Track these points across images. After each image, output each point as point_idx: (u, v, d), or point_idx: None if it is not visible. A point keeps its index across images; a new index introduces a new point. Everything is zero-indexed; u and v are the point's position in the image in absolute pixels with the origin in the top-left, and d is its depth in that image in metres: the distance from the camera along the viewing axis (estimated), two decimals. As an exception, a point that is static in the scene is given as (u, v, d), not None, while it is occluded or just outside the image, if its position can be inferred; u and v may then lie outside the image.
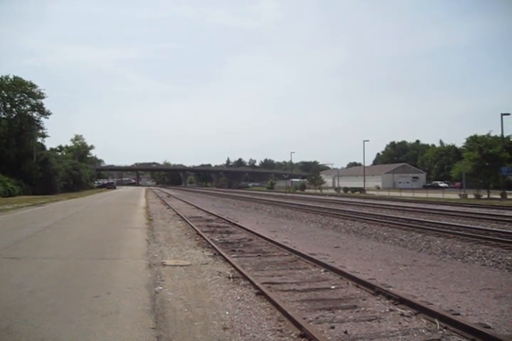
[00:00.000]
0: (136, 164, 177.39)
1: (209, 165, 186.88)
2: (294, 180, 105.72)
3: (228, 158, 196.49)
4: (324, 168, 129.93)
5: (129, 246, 10.65)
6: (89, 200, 36.28)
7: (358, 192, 61.98)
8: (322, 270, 8.36)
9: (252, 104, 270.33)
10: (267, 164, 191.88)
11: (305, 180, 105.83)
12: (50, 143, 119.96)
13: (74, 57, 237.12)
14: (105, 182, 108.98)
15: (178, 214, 21.47)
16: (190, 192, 69.16)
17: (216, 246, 10.86)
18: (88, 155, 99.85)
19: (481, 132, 53.68)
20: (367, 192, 62.26)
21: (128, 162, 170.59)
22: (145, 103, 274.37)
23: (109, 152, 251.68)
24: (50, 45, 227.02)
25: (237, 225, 16.49)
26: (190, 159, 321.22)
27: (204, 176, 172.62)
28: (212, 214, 21.76)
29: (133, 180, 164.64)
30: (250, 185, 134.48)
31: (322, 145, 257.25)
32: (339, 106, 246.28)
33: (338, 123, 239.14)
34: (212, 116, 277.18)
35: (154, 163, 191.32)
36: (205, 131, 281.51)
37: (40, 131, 55.79)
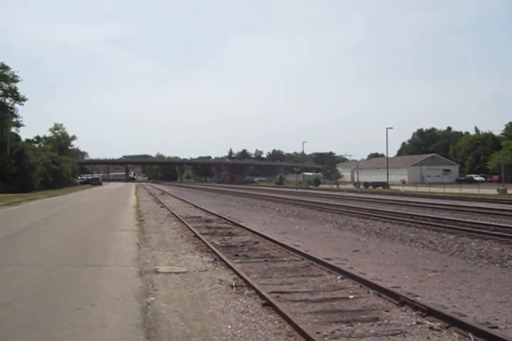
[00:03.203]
0: (125, 157, 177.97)
1: (209, 157, 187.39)
2: (306, 173, 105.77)
3: (231, 150, 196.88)
4: (341, 160, 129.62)
5: (116, 251, 10.70)
6: (71, 198, 36.48)
7: (380, 188, 61.86)
8: (339, 277, 8.36)
9: (257, 89, 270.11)
10: (276, 156, 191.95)
11: (319, 173, 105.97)
12: (25, 134, 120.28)
13: (51, 37, 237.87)
14: (90, 177, 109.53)
15: (173, 214, 21.54)
16: (187, 189, 69.33)
17: (217, 251, 10.88)
18: (70, 147, 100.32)
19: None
20: (391, 187, 62.16)
21: (115, 154, 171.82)
22: (134, 88, 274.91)
23: (94, 143, 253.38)
24: (23, 23, 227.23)
25: (240, 226, 16.52)
26: (186, 151, 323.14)
27: (203, 170, 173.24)
28: (213, 214, 21.81)
29: (131, 175, 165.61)
30: (256, 179, 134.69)
31: (338, 133, 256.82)
32: (357, 90, 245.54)
33: (356, 109, 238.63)
34: (212, 102, 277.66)
35: (146, 156, 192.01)
36: (203, 118, 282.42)
37: (15, 120, 56.05)
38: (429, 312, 6.15)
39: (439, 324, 5.82)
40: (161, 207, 27.26)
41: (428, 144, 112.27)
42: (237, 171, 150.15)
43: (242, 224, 17.08)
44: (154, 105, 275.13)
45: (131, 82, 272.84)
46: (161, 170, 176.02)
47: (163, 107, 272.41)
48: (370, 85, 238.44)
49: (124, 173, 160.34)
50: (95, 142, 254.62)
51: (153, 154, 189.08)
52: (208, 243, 12.17)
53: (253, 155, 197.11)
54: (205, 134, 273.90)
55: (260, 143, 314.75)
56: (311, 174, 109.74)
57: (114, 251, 10.68)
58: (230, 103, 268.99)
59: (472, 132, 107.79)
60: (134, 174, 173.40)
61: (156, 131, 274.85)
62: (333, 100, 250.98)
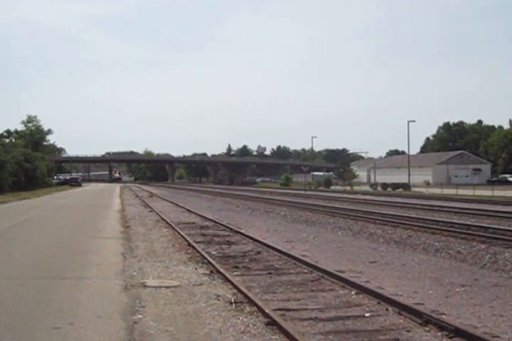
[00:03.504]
0: (108, 154, 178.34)
1: (204, 154, 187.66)
2: (316, 173, 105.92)
3: (229, 146, 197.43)
4: (356, 158, 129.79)
5: (98, 262, 10.72)
6: (46, 201, 36.55)
7: (400, 190, 61.87)
8: (353, 292, 8.36)
9: (260, 77, 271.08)
10: (281, 153, 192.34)
11: (331, 173, 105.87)
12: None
13: (22, 15, 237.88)
14: (67, 177, 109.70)
15: (163, 220, 21.58)
16: (179, 190, 69.41)
17: (213, 262, 10.89)
18: (45, 143, 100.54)
19: None
20: (413, 189, 62.16)
21: (97, 151, 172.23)
22: (119, 74, 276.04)
23: (73, 138, 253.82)
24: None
25: (241, 233, 16.55)
26: (179, 147, 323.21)
27: (198, 169, 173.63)
28: (209, 220, 21.86)
29: (116, 174, 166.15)
30: (259, 180, 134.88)
31: (353, 128, 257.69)
32: (373, 78, 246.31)
33: (373, 100, 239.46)
34: (208, 90, 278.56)
35: (132, 153, 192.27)
36: (198, 110, 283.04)
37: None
38: (457, 332, 6.15)
39: (468, 346, 5.82)
40: (150, 211, 27.32)
41: (455, 140, 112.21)
42: (237, 170, 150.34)
43: (243, 231, 17.11)
44: (142, 94, 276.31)
45: (115, 68, 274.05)
46: (150, 169, 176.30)
47: (152, 97, 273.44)
48: (389, 72, 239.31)
49: (107, 173, 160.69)
50: (74, 137, 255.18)
51: (141, 151, 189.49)
52: (203, 253, 12.18)
53: (255, 152, 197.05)
54: (200, 128, 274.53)
55: (263, 138, 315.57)
56: (321, 174, 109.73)
57: (95, 262, 10.70)
58: (229, 92, 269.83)
59: (506, 126, 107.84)
60: (119, 173, 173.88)
61: (144, 124, 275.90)
62: (346, 89, 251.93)
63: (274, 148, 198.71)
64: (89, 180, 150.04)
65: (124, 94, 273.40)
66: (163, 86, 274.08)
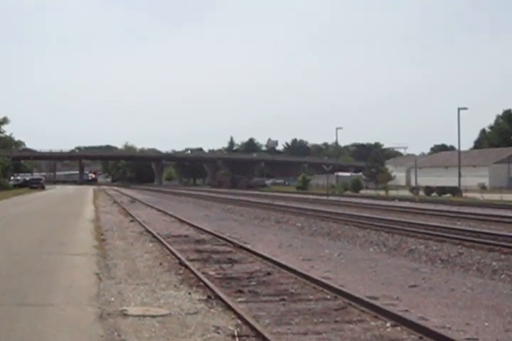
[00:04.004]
0: (79, 149, 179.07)
1: (200, 149, 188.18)
2: (341, 174, 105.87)
3: (232, 139, 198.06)
4: (392, 155, 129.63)
5: (67, 285, 10.76)
6: (0, 208, 36.65)
7: (448, 195, 61.68)
8: (389, 324, 8.35)
9: (271, 53, 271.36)
10: (297, 148, 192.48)
11: (360, 174, 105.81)
12: None
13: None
14: (28, 178, 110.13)
15: (147, 232, 21.67)
16: (168, 195, 69.52)
17: (212, 285, 10.91)
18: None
19: None
20: (464, 194, 61.95)
21: (65, 145, 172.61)
22: (93, 51, 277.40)
23: (35, 130, 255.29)
24: None
25: (246, 249, 16.56)
26: (167, 141, 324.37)
27: (192, 168, 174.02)
28: (206, 232, 21.89)
29: (91, 175, 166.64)
30: (268, 182, 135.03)
31: (387, 117, 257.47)
32: (411, 54, 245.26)
33: (411, 82, 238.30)
34: (206, 71, 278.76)
35: (108, 147, 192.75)
36: (193, 95, 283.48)
37: None
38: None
39: None
40: (131, 221, 27.40)
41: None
42: (241, 170, 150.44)
43: (249, 246, 17.12)
44: (122, 76, 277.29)
45: (89, 43, 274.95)
46: (131, 168, 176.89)
47: (135, 79, 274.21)
48: (431, 46, 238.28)
49: (77, 172, 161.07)
50: (36, 128, 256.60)
51: (120, 145, 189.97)
52: (199, 273, 12.20)
53: (264, 148, 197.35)
54: (195, 117, 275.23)
55: (274, 130, 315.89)
56: (348, 175, 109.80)
57: (63, 285, 10.73)
58: (232, 73, 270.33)
59: None
60: (94, 173, 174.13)
61: (123, 112, 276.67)
62: (377, 70, 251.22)
63: (288, 142, 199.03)
64: (55, 182, 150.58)
65: (101, 76, 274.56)
66: (146, 66, 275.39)
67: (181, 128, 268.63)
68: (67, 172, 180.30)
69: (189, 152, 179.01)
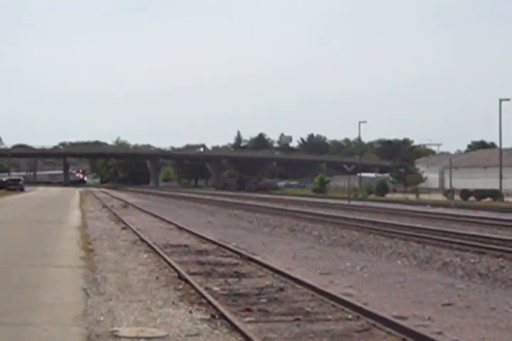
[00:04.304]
0: (64, 145, 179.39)
1: (202, 146, 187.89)
2: (365, 175, 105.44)
3: (239, 134, 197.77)
4: (423, 153, 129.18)
5: (50, 302, 10.77)
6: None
7: (488, 199, 61.41)
8: (419, 348, 8.34)
9: (283, 35, 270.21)
10: (314, 145, 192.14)
11: (386, 175, 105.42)
12: None
13: None
14: (4, 178, 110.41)
15: (142, 241, 21.71)
16: (166, 198, 69.51)
17: (216, 302, 10.91)
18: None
19: None
20: (506, 198, 61.62)
21: (48, 141, 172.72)
22: (77, 28, 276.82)
23: (11, 123, 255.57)
24: None
25: (255, 261, 16.56)
26: (166, 136, 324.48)
27: (193, 168, 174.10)
28: (209, 241, 21.91)
29: (79, 174, 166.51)
30: (281, 184, 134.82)
31: (417, 109, 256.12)
32: (442, 34, 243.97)
33: (445, 70, 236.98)
34: (209, 57, 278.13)
35: (97, 144, 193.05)
36: (193, 84, 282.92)
37: None
38: None
39: None
40: (123, 228, 27.48)
41: None
42: (250, 170, 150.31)
43: (258, 258, 17.12)
44: (111, 59, 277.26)
45: (71, 20, 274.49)
46: (123, 168, 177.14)
47: (126, 67, 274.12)
48: (465, 26, 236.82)
49: (61, 172, 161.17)
50: (13, 121, 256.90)
51: (110, 141, 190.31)
52: (201, 289, 12.20)
53: (276, 144, 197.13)
54: (197, 109, 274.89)
55: (288, 124, 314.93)
56: (372, 175, 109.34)
57: (45, 302, 10.74)
58: (238, 58, 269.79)
59: None
60: (83, 173, 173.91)
61: (114, 103, 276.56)
62: (404, 54, 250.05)
63: (304, 137, 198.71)
64: (37, 183, 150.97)
65: (87, 60, 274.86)
66: (143, 46, 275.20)
67: (181, 122, 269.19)
68: (50, 172, 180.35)
69: (190, 149, 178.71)
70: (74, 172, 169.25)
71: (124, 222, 30.22)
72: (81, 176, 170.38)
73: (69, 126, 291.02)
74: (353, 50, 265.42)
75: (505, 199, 61.14)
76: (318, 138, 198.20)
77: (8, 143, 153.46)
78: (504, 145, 76.79)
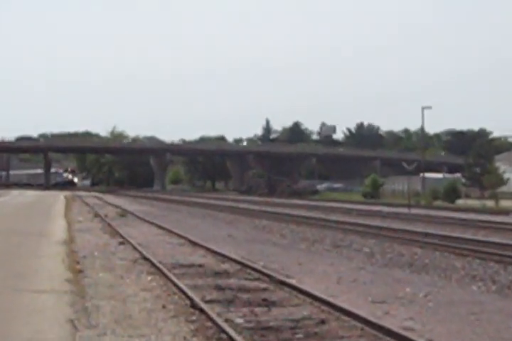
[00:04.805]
0: (44, 137, 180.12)
1: (221, 139, 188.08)
2: (430, 175, 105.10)
3: (268, 123, 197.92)
4: (505, 148, 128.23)
5: (27, 337, 10.77)
6: None
7: None
8: None
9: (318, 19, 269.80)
10: (364, 137, 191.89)
11: (457, 175, 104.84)
12: None
13: None
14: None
15: (144, 259, 21.74)
16: (175, 205, 69.65)
17: (238, 339, 10.88)
18: None
19: None
20: None
21: (23, 132, 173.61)
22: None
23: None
24: None
25: (289, 286, 16.50)
26: (174, 126, 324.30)
27: (209, 166, 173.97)
28: (230, 259, 21.88)
29: (67, 175, 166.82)
30: (322, 187, 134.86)
31: (495, 93, 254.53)
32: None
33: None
34: (231, 35, 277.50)
35: (87, 135, 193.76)
36: (209, 62, 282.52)
37: None
38: None
39: None
40: (121, 243, 27.55)
41: None
42: (282, 169, 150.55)
43: (293, 281, 17.08)
44: (107, 40, 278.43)
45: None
46: (120, 166, 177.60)
47: (125, 44, 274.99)
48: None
49: (41, 171, 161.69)
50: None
51: (103, 132, 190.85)
52: (220, 321, 12.18)
53: (315, 136, 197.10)
54: (214, 92, 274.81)
55: (330, 110, 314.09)
56: (439, 177, 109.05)
57: (22, 338, 10.74)
58: (265, 31, 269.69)
59: None
60: (72, 172, 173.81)
61: (108, 86, 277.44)
62: (474, 32, 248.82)
63: (352, 127, 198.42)
64: (9, 185, 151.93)
65: (74, 35, 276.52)
66: (147, 18, 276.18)
67: (194, 108, 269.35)
68: (28, 172, 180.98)
69: (205, 142, 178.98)
70: (60, 171, 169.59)
71: (121, 236, 30.27)
72: (70, 177, 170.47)
73: (50, 112, 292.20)
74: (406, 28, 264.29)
75: None
76: (370, 129, 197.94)
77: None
78: None
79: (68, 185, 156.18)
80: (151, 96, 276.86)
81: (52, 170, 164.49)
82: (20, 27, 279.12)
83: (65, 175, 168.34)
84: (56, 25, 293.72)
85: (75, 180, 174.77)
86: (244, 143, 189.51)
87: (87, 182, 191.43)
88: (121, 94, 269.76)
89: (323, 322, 12.75)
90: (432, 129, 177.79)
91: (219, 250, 24.20)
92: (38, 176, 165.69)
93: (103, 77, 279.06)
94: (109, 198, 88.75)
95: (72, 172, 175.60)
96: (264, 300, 15.06)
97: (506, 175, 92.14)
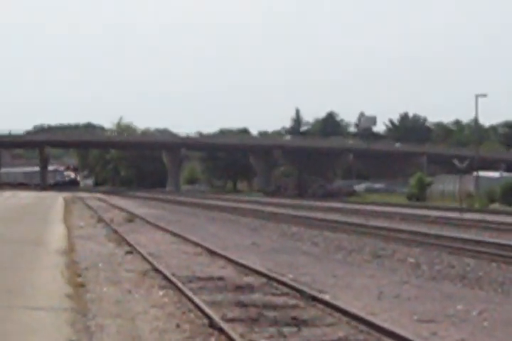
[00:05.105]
0: (38, 129, 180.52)
1: (243, 131, 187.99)
2: (485, 174, 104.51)
3: (297, 114, 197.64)
4: None
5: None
6: None
7: None
8: None
9: None
10: (409, 130, 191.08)
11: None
12: None
13: None
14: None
15: (155, 271, 21.75)
16: (191, 208, 69.76)
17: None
18: None
19: None
20: None
21: (17, 124, 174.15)
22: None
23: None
24: None
25: (323, 302, 16.48)
26: (190, 117, 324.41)
27: (230, 163, 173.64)
28: (255, 271, 21.87)
29: (68, 173, 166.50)
30: (361, 187, 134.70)
31: None
32: None
33: None
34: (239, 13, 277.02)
35: (89, 127, 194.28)
36: (227, 42, 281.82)
37: None
38: None
39: None
40: (128, 252, 27.59)
41: None
42: (315, 166, 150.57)
43: (327, 297, 17.07)
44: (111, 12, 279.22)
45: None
46: (128, 163, 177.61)
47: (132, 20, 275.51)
48: None
49: (37, 169, 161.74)
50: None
51: (108, 124, 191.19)
52: (243, 344, 12.21)
53: (353, 128, 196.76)
54: (234, 77, 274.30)
55: (369, 98, 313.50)
56: (495, 175, 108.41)
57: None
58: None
59: None
60: (74, 170, 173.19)
61: (113, 69, 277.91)
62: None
63: (394, 118, 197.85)
64: (0, 185, 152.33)
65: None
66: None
67: (212, 97, 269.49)
68: (23, 170, 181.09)
69: (224, 136, 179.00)
70: (61, 169, 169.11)
71: (129, 244, 30.35)
72: (72, 175, 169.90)
73: (47, 102, 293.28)
74: None
75: None
76: (416, 120, 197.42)
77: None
78: None
79: (70, 185, 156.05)
80: (163, 83, 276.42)
81: (52, 167, 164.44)
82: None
83: (66, 173, 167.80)
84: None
85: (78, 179, 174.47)
86: (271, 137, 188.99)
87: (90, 181, 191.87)
88: (129, 81, 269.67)
89: (361, 344, 12.77)
90: (487, 121, 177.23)
91: (241, 260, 24.20)
92: (34, 175, 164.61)
93: (108, 60, 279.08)
94: (115, 200, 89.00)
95: (75, 170, 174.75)
96: (294, 318, 15.05)
97: None
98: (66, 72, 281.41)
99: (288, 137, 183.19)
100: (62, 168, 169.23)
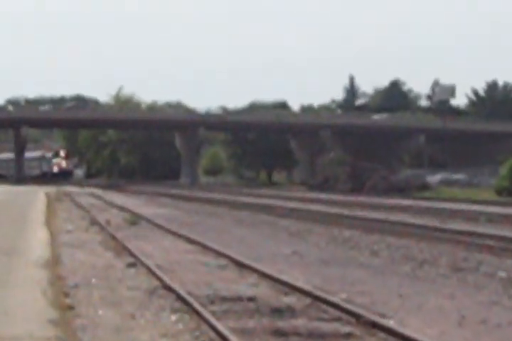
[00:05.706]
0: (15, 104, 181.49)
1: (281, 106, 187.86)
2: None
3: (352, 82, 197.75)
4: None
5: None
6: None
7: None
8: None
9: None
10: (497, 102, 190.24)
11: None
12: None
13: None
14: None
15: (167, 289, 21.80)
16: (213, 207, 70.07)
17: None
18: None
19: None
20: None
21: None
22: None
23: None
24: None
25: (386, 330, 16.47)
26: (210, 89, 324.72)
27: (264, 148, 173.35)
28: (296, 289, 21.89)
29: (61, 163, 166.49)
30: (435, 179, 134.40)
31: None
32: None
33: None
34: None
35: (78, 101, 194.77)
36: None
37: None
38: None
39: None
40: (130, 265, 27.66)
41: None
42: (374, 151, 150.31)
43: (391, 323, 17.11)
44: None
45: None
46: (130, 148, 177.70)
47: None
48: None
49: (12, 156, 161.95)
50: None
51: (103, 96, 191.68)
52: None
53: (425, 101, 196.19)
54: (266, 36, 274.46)
55: (446, 64, 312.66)
56: None
57: None
58: None
59: None
60: (66, 156, 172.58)
61: (108, 28, 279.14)
62: None
63: (479, 88, 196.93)
64: None
65: None
66: None
67: (239, 60, 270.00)
68: None
69: (257, 111, 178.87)
70: (49, 155, 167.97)
71: (131, 253, 30.47)
72: (63, 164, 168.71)
73: (23, 68, 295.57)
74: None
75: None
76: (507, 91, 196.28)
77: None
78: None
79: (61, 176, 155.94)
80: (173, 44, 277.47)
81: (35, 153, 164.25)
82: None
83: (54, 160, 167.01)
84: None
85: (72, 168, 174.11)
86: (317, 113, 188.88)
87: (80, 172, 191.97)
88: (131, 42, 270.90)
89: None
90: None
91: (279, 275, 24.26)
92: (11, 163, 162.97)
93: (105, 15, 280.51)
94: (113, 196, 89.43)
95: (67, 157, 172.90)
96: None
97: None
98: (49, 31, 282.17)
99: (340, 113, 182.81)
100: (49, 155, 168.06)
